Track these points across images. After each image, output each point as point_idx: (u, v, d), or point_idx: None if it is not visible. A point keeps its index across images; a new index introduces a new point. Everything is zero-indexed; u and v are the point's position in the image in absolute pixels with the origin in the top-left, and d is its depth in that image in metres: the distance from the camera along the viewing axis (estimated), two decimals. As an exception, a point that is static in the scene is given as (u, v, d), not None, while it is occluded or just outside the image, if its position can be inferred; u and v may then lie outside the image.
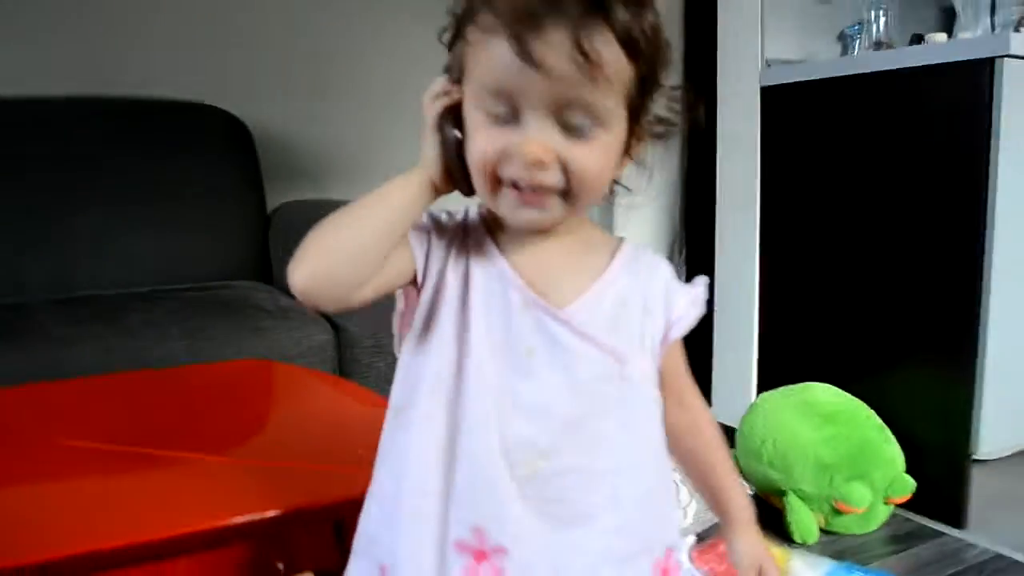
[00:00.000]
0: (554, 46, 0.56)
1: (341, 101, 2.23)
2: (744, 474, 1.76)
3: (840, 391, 1.73)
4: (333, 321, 1.53)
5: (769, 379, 1.98)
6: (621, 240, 0.71)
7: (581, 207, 0.63)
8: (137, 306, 1.51)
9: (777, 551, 1.47)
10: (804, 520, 1.59)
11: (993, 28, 1.86)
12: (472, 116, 0.61)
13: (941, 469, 1.71)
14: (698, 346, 2.32)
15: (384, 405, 1.02)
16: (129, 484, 0.84)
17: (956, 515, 1.70)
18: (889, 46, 1.84)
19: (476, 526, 0.61)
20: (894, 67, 1.72)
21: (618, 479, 0.65)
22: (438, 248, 0.65)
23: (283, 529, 0.79)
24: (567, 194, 0.61)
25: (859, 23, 1.83)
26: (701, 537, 1.49)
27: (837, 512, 1.60)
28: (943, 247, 1.70)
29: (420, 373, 0.64)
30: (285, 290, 1.69)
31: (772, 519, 1.67)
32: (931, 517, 1.73)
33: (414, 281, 0.65)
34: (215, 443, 0.94)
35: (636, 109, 0.62)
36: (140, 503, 0.79)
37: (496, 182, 0.61)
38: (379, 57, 2.26)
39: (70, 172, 1.74)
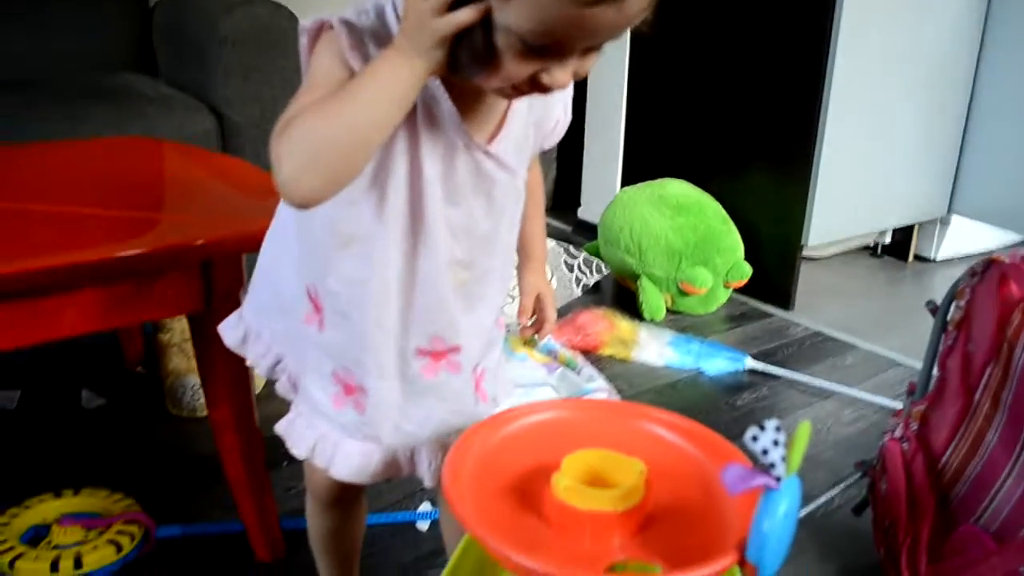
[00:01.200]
0: (634, 10, 0.55)
1: None
2: (604, 259, 1.93)
3: (691, 186, 1.89)
4: (215, 108, 1.57)
5: (632, 178, 2.11)
6: None
7: None
8: (19, 90, 1.51)
9: (627, 324, 1.66)
10: (653, 299, 1.79)
11: None
12: (506, 37, 0.55)
13: (775, 259, 1.92)
14: (570, 149, 2.45)
15: (263, 176, 1.10)
16: (16, 230, 0.89)
17: (785, 299, 1.93)
18: None
19: (434, 335, 0.71)
20: None
21: (504, 266, 0.75)
22: None
23: (157, 267, 0.87)
24: None
25: None
26: (560, 314, 1.67)
27: (683, 293, 1.80)
28: (789, 59, 1.82)
29: (375, 206, 0.65)
30: (168, 81, 1.72)
31: (627, 300, 1.86)
32: (764, 301, 1.96)
33: None
34: (94, 199, 1.00)
35: None
36: (29, 242, 0.87)
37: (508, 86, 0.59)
38: None
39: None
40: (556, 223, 2.42)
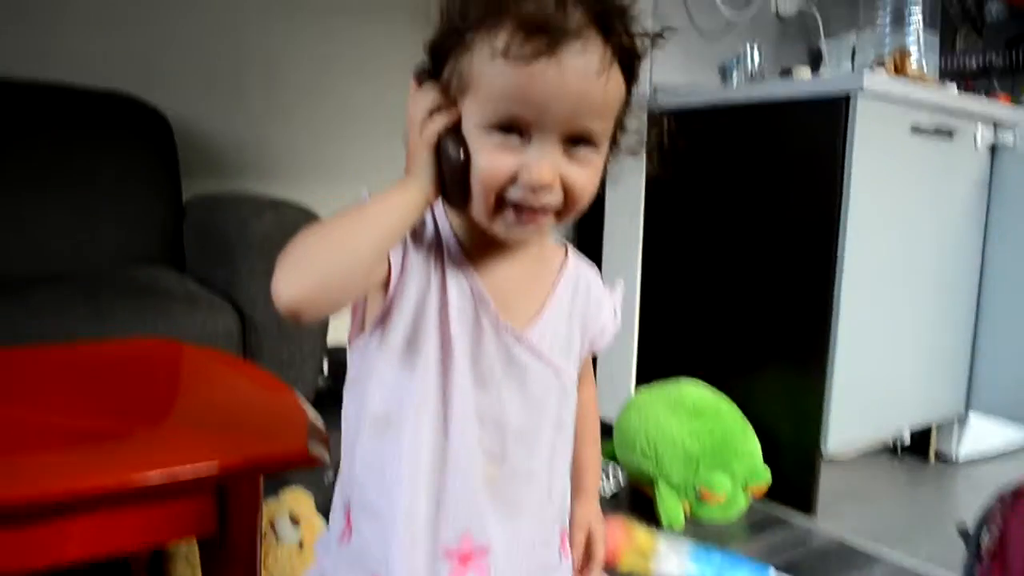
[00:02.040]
0: (576, 71, 0.57)
1: (261, 97, 2.28)
2: (620, 463, 1.89)
3: (707, 387, 1.88)
4: (239, 307, 1.60)
5: (646, 378, 2.10)
6: (566, 249, 0.74)
7: (567, 222, 0.64)
8: (44, 285, 1.54)
9: (645, 534, 1.60)
10: (671, 506, 1.73)
11: (852, 69, 2.05)
12: (477, 135, 0.59)
13: (795, 463, 1.88)
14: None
15: (282, 388, 1.09)
16: (22, 443, 0.88)
17: (807, 504, 1.86)
18: (761, 78, 2.02)
19: (463, 531, 0.65)
20: (765, 97, 1.88)
21: (551, 474, 0.71)
22: (416, 257, 0.65)
23: (168, 492, 0.84)
24: (560, 212, 0.62)
25: (737, 57, 2.01)
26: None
27: (701, 500, 1.74)
28: (802, 264, 1.86)
29: (406, 387, 0.64)
30: (195, 276, 1.76)
31: (644, 506, 1.81)
32: (785, 505, 1.89)
33: (384, 283, 0.64)
34: (108, 410, 0.99)
35: (620, 126, 0.65)
36: (30, 466, 0.83)
37: (499, 202, 0.60)
38: (300, 55, 2.31)
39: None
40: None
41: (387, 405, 0.65)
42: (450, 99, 0.61)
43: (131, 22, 2.07)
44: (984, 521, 1.06)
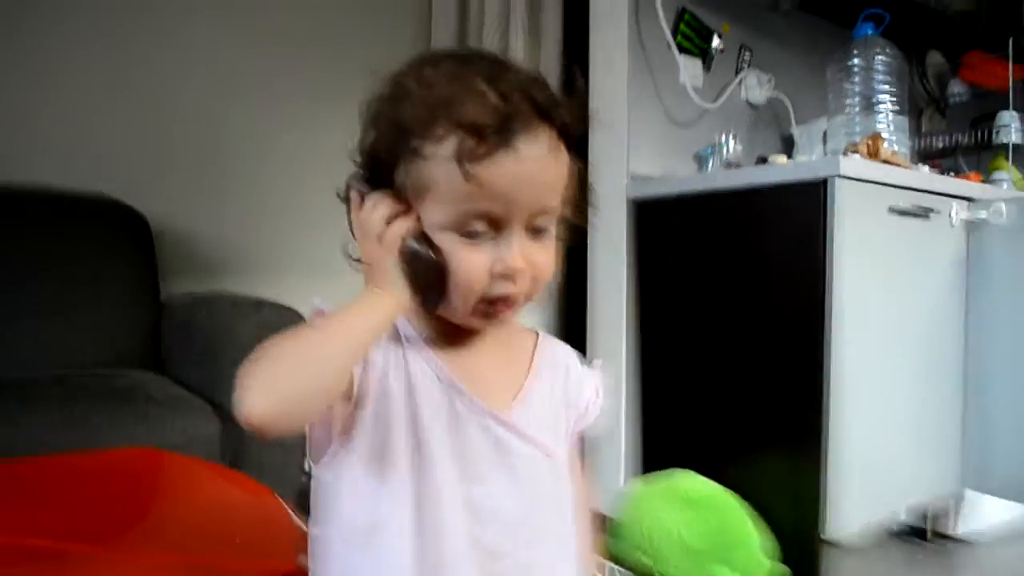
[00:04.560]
0: (531, 157, 0.59)
1: (241, 198, 2.29)
2: (618, 559, 1.83)
3: (703, 479, 1.84)
4: (222, 411, 1.56)
5: (637, 469, 2.07)
6: (534, 331, 0.74)
7: (532, 303, 0.65)
8: (21, 393, 1.50)
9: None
10: (673, 603, 1.67)
11: (825, 153, 2.10)
12: (443, 237, 0.60)
13: (796, 551, 1.82)
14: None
15: (266, 495, 1.05)
16: None
17: (810, 594, 1.81)
18: (737, 166, 2.05)
19: None
20: (742, 184, 1.90)
21: (556, 564, 0.69)
22: (377, 359, 0.63)
23: None
24: (526, 296, 0.64)
25: (712, 146, 2.04)
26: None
27: (703, 594, 1.68)
28: (790, 347, 1.85)
29: (380, 493, 0.62)
30: (175, 378, 1.73)
31: (643, 601, 1.74)
32: (788, 596, 1.84)
33: (346, 394, 0.62)
34: (89, 535, 0.93)
35: (567, 203, 0.66)
36: None
37: (479, 299, 0.61)
38: (277, 157, 2.34)
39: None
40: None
41: (364, 515, 0.63)
42: (405, 204, 0.61)
43: (111, 124, 2.08)
44: None
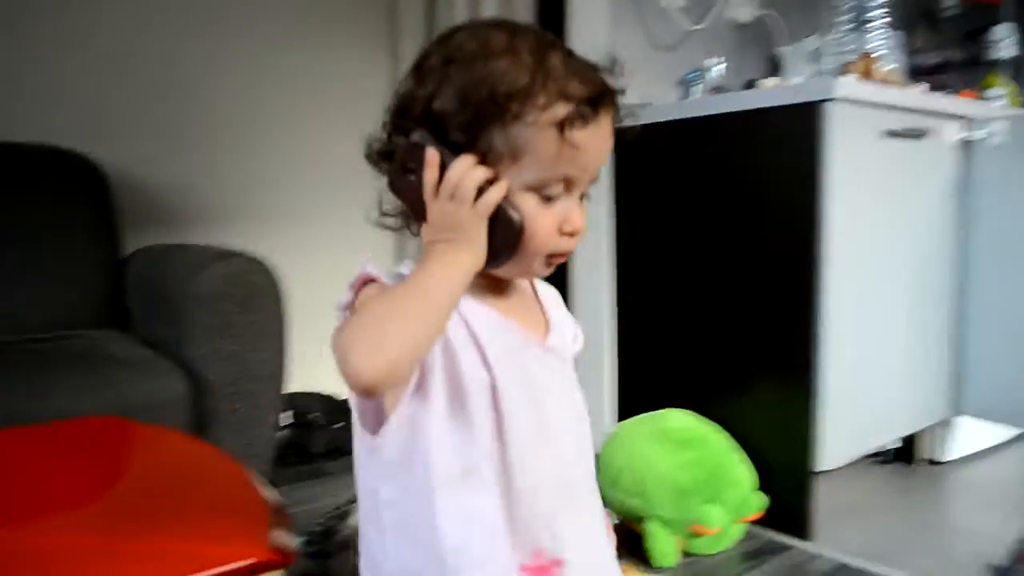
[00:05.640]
0: (607, 131, 0.68)
1: (207, 145, 2.19)
2: (605, 502, 1.80)
3: (693, 416, 1.80)
4: (189, 368, 1.49)
5: (626, 408, 2.03)
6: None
7: None
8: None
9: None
10: (663, 545, 1.64)
11: (819, 74, 2.00)
12: (525, 197, 0.66)
13: (787, 485, 1.81)
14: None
15: (237, 471, 0.99)
16: None
17: (802, 528, 1.79)
18: (724, 91, 1.96)
19: (536, 549, 0.70)
20: (730, 110, 1.82)
21: (589, 465, 0.77)
22: None
23: None
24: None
25: (697, 70, 1.94)
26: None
27: (693, 534, 1.66)
28: (782, 278, 1.80)
29: (467, 437, 0.67)
30: (140, 337, 1.65)
31: (633, 545, 1.72)
32: (780, 531, 1.82)
33: None
34: (35, 514, 0.88)
35: None
36: None
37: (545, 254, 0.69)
38: (238, 99, 2.23)
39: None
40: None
41: (457, 461, 0.67)
42: (491, 168, 0.66)
43: (60, 70, 1.96)
44: (1016, 560, 1.03)
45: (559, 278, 2.19)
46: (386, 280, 0.67)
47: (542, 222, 0.67)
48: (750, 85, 1.90)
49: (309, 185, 2.34)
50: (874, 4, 1.99)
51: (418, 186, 0.66)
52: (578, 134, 0.65)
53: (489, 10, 2.24)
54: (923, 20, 2.52)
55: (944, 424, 2.18)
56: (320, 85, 2.32)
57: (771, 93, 1.81)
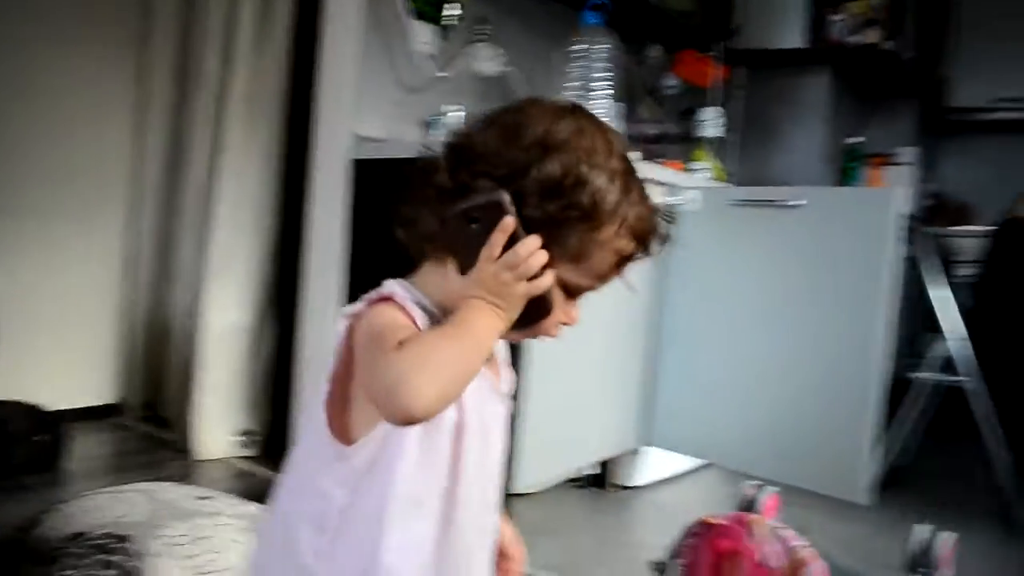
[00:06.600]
0: None
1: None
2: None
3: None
4: None
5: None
6: None
7: None
8: None
9: None
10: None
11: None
12: (557, 289, 0.73)
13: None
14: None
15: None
16: None
17: (498, 544, 1.93)
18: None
19: None
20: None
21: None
22: None
23: None
24: None
25: (440, 113, 2.08)
26: None
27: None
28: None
29: (426, 464, 0.72)
30: None
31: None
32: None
33: None
34: None
35: None
36: None
37: None
38: None
39: None
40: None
41: (413, 487, 0.71)
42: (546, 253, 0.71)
43: None
44: (675, 555, 1.19)
45: (291, 295, 2.20)
46: (410, 305, 0.72)
47: (562, 311, 0.75)
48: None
49: (27, 186, 2.22)
50: (600, 76, 2.23)
51: (478, 240, 0.69)
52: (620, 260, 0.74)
53: (244, 33, 2.25)
54: (649, 95, 2.85)
55: (634, 453, 2.44)
56: (60, 85, 2.24)
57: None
